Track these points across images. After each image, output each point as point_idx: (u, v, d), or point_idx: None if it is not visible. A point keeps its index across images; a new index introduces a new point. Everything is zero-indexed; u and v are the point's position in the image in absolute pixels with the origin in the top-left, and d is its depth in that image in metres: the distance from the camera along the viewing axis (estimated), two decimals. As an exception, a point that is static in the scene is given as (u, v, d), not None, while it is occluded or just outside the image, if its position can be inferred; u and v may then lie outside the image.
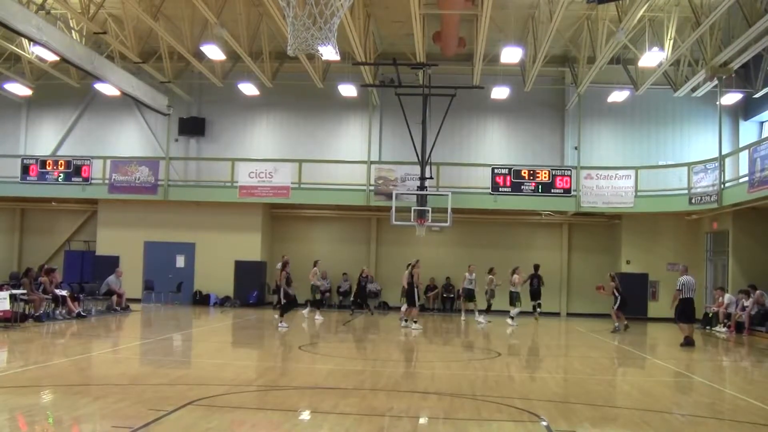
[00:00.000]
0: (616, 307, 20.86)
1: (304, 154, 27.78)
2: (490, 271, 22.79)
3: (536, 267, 23.36)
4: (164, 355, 14.29)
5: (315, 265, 22.62)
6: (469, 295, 23.21)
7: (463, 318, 23.24)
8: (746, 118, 27.19)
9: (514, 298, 22.16)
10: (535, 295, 23.21)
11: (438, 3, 20.78)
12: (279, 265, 20.47)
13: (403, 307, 21.25)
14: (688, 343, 17.16)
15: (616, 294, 20.91)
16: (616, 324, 20.80)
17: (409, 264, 20.72)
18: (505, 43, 22.30)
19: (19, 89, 27.92)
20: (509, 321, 21.90)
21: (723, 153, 22.99)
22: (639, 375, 13.65)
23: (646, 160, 27.19)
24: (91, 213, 28.95)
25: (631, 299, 25.60)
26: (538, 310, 23.21)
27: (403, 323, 20.25)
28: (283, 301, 19.54)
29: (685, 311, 17.34)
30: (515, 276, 22.24)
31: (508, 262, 25.82)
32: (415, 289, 20.29)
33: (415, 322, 20.04)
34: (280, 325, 18.76)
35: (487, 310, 22.94)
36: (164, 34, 22.45)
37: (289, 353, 14.60)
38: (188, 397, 8.75)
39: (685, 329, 17.41)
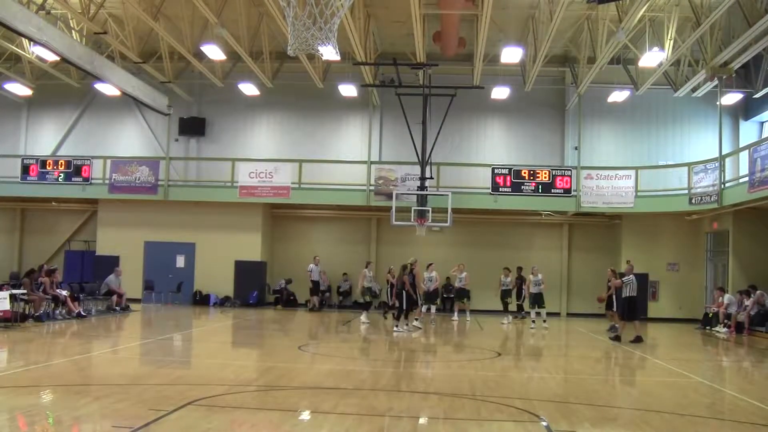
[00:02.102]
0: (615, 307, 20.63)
1: (304, 154, 27.77)
2: (532, 270, 22.05)
3: (519, 269, 23.39)
4: (164, 355, 14.29)
5: (367, 267, 22.42)
6: (461, 295, 23.19)
7: (454, 318, 23.20)
8: (746, 118, 27.19)
9: (538, 300, 21.66)
10: (521, 297, 23.22)
11: (438, 3, 20.78)
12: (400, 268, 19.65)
13: (423, 308, 21.35)
14: (616, 338, 17.98)
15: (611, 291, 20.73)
16: (617, 325, 20.51)
17: (409, 264, 20.48)
18: (505, 43, 22.31)
19: (19, 89, 27.92)
20: (545, 325, 21.38)
21: (723, 153, 22.99)
22: (639, 375, 13.65)
23: (647, 160, 27.18)
24: (91, 213, 28.94)
25: (631, 299, 25.68)
26: (523, 312, 23.21)
27: (414, 324, 20.10)
28: (403, 305, 19.09)
29: (631, 309, 17.92)
30: (538, 276, 21.77)
31: (508, 262, 25.84)
32: (415, 289, 20.26)
33: (416, 319, 20.11)
34: (406, 328, 18.69)
35: (507, 310, 22.97)
36: (164, 34, 22.45)
37: (289, 353, 14.59)
38: (188, 397, 8.76)
39: (624, 325, 18.13)
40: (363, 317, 21.20)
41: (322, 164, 27.53)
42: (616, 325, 20.49)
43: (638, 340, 17.69)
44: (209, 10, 19.97)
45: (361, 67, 24.61)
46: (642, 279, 26.02)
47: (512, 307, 23.38)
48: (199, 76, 27.32)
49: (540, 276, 21.78)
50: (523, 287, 23.03)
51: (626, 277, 18.01)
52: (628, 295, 17.83)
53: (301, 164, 26.89)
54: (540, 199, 25.72)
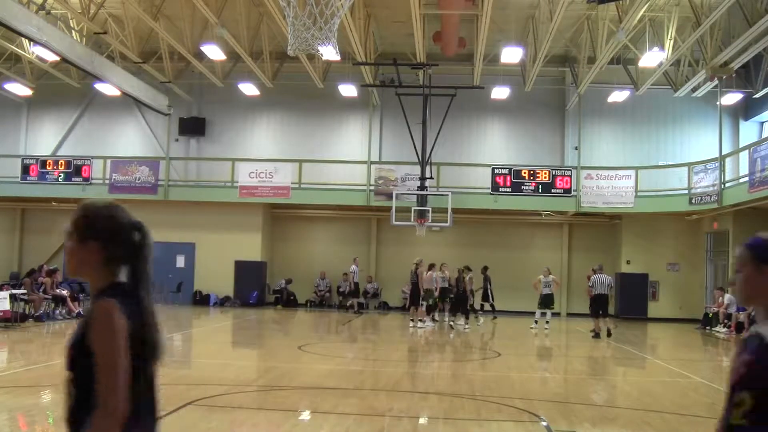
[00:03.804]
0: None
1: (304, 154, 27.76)
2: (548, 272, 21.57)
3: (485, 269, 23.12)
4: (164, 355, 14.28)
5: (431, 269, 22.15)
6: (443, 296, 23.03)
7: (443, 321, 22.65)
8: (746, 118, 27.17)
9: (547, 301, 21.19)
10: (487, 297, 22.88)
11: (438, 3, 20.77)
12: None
13: (422, 308, 21.24)
14: (596, 335, 18.79)
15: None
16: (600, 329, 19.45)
17: (415, 264, 20.84)
18: (505, 43, 22.30)
19: (19, 89, 27.91)
20: (547, 326, 20.87)
21: (723, 153, 22.99)
22: (639, 375, 13.65)
23: (647, 160, 27.16)
24: (91, 213, 28.87)
25: (631, 299, 25.76)
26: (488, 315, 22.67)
27: (414, 324, 20.26)
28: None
29: (593, 306, 19.17)
30: (551, 276, 21.37)
31: (508, 262, 25.87)
32: (421, 290, 20.38)
33: (421, 320, 20.21)
34: (464, 327, 20.06)
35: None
36: (164, 34, 22.44)
37: (289, 353, 14.60)
38: (188, 397, 8.76)
39: (596, 323, 19.09)
40: (428, 321, 21.09)
41: (322, 164, 27.51)
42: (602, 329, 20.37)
43: (596, 336, 18.73)
44: (209, 10, 19.96)
45: (361, 67, 24.60)
46: (642, 279, 26.21)
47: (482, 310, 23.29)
48: (199, 76, 27.29)
49: (551, 277, 21.35)
50: (489, 287, 23.01)
51: (595, 276, 19.26)
52: (596, 293, 19.06)
53: (301, 164, 26.88)
54: (540, 199, 25.71)
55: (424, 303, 21.37)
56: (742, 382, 2.43)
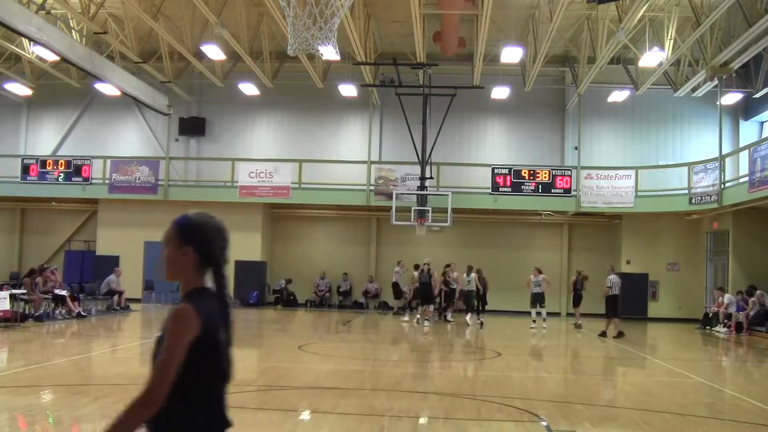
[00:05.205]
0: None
1: (304, 154, 27.76)
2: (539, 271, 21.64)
3: (477, 270, 22.46)
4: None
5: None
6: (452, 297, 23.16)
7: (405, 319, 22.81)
8: (746, 118, 27.18)
9: (539, 299, 21.27)
10: (480, 299, 22.26)
11: (438, 3, 20.77)
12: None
13: (429, 307, 21.63)
14: (621, 334, 18.95)
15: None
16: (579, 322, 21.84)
17: (425, 264, 21.58)
18: (505, 43, 22.31)
19: (19, 89, 27.91)
20: (544, 325, 21.09)
21: (723, 153, 22.99)
22: (639, 375, 13.65)
23: (647, 160, 27.17)
24: (91, 213, 28.93)
25: (631, 299, 25.76)
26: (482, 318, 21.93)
27: (425, 322, 20.90)
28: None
29: (614, 306, 19.44)
30: (541, 276, 21.37)
31: (508, 262, 25.84)
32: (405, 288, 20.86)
33: (427, 320, 20.74)
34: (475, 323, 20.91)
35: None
36: (164, 34, 22.44)
37: (289, 353, 14.60)
38: (188, 397, 8.74)
39: (616, 323, 19.31)
40: (469, 319, 21.56)
41: (322, 164, 27.51)
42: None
43: (621, 335, 18.84)
44: (209, 10, 19.96)
45: (361, 67, 24.60)
46: (642, 279, 26.22)
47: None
48: (199, 76, 27.30)
49: (542, 276, 21.39)
50: (486, 289, 22.91)
51: (611, 276, 19.51)
52: (613, 293, 19.25)
53: (301, 164, 26.88)
54: (540, 199, 25.71)
55: (440, 303, 21.98)
56: (154, 356, 2.72)
